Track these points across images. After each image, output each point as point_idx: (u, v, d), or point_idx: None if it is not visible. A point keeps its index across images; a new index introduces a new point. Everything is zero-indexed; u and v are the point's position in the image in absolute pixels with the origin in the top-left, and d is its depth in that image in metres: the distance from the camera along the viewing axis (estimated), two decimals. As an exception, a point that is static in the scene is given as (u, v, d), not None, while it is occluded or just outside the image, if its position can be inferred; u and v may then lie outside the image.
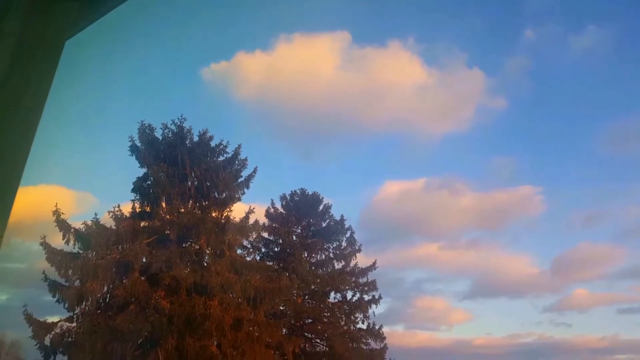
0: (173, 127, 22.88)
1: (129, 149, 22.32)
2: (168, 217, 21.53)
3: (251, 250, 30.93)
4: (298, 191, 34.44)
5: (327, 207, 33.93)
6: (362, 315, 31.46)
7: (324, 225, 33.68)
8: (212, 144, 23.19)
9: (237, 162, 23.18)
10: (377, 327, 31.21)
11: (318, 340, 31.42)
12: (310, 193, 34.39)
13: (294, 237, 33.20)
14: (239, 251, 25.19)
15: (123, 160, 22.22)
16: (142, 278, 20.02)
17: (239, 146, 23.49)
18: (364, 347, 31.01)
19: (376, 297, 31.63)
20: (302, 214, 33.72)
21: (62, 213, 20.05)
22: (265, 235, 32.31)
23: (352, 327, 31.46)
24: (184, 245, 21.40)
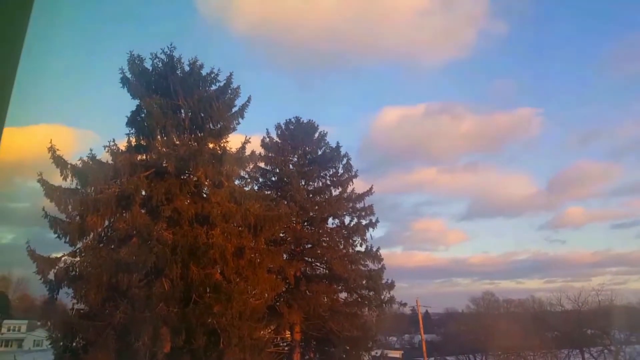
0: (163, 56, 22.17)
1: (120, 81, 21.76)
2: (164, 149, 21.32)
3: (249, 180, 31.16)
4: (293, 120, 34.21)
5: (323, 135, 33.83)
6: (360, 239, 32.26)
7: (320, 153, 33.71)
8: (203, 72, 22.58)
9: (230, 91, 22.68)
10: (374, 249, 32.07)
11: (318, 264, 32.38)
12: (305, 121, 34.13)
13: (291, 166, 33.33)
14: (236, 182, 25.33)
15: (121, 95, 21.73)
16: (143, 211, 20.12)
17: (231, 74, 22.88)
18: (363, 268, 32.00)
19: (373, 221, 32.29)
20: (297, 143, 33.65)
21: (58, 149, 19.81)
22: (262, 165, 32.40)
23: (350, 250, 32.33)
24: (182, 177, 21.36)
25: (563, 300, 63.54)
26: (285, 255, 28.91)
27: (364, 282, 31.75)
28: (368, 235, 32.00)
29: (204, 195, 21.48)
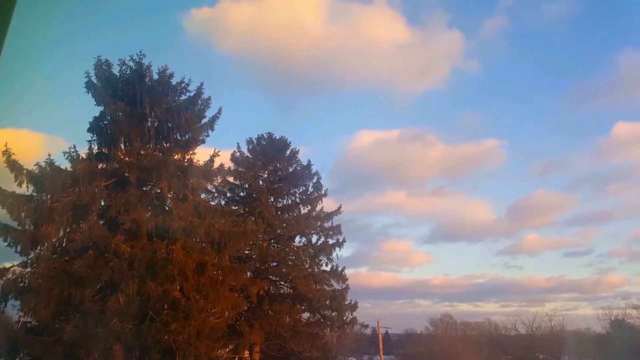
0: (131, 63, 21.56)
1: (84, 85, 20.97)
2: (127, 159, 20.60)
3: (216, 194, 30.55)
4: (265, 135, 33.75)
5: (295, 152, 33.48)
6: (326, 258, 31.91)
7: (290, 170, 33.33)
8: (173, 82, 22.01)
9: (200, 101, 22.11)
10: (340, 269, 31.72)
11: (282, 283, 31.80)
12: (277, 137, 33.74)
13: (260, 182, 32.83)
14: (203, 195, 24.65)
15: (90, 101, 20.95)
16: (101, 222, 19.31)
17: (202, 84, 22.31)
18: (327, 287, 31.58)
19: (340, 240, 31.96)
20: (268, 159, 33.21)
21: (14, 154, 18.90)
22: (231, 179, 31.79)
23: (316, 269, 31.89)
24: (144, 188, 20.63)
25: (518, 324, 64.96)
26: (249, 273, 28.25)
27: (327, 302, 31.27)
28: (334, 254, 31.71)
29: (166, 208, 20.76)
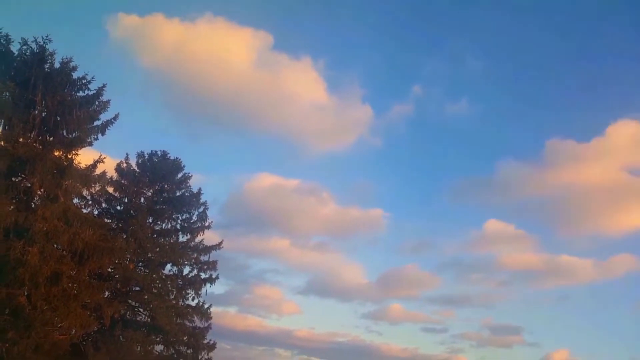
0: (34, 45, 20.05)
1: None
2: (1, 143, 18.77)
3: (90, 202, 28.50)
4: (159, 152, 32.38)
5: (186, 177, 32.36)
6: (194, 293, 30.67)
7: (178, 194, 32.04)
8: (74, 75, 20.71)
9: (97, 102, 20.94)
10: (205, 306, 30.65)
11: (141, 310, 29.98)
12: (171, 158, 32.53)
13: (142, 200, 31.22)
14: (75, 200, 22.96)
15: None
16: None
17: (104, 85, 21.22)
18: (188, 323, 30.29)
19: (213, 276, 31.02)
20: (157, 177, 31.76)
21: None
22: (111, 190, 29.94)
23: (181, 302, 30.50)
24: (12, 179, 18.80)
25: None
26: (107, 293, 26.34)
27: (185, 338, 29.87)
28: (204, 290, 30.59)
29: (32, 206, 18.99)
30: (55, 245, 19.14)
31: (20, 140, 19.19)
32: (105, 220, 28.63)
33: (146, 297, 29.03)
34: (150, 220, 30.76)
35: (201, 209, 31.97)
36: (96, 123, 21.24)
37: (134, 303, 29.55)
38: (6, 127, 18.87)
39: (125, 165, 31.23)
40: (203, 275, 30.82)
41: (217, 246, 31.72)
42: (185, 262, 31.00)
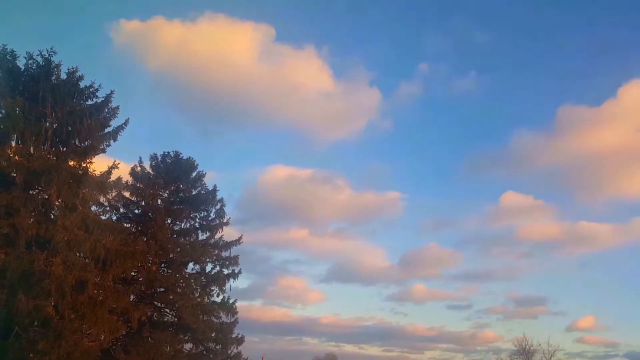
0: (39, 58, 20.17)
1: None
2: (17, 158, 18.97)
3: (108, 209, 28.68)
4: (171, 153, 32.49)
5: (201, 175, 32.46)
6: (218, 289, 30.85)
7: (194, 193, 32.19)
8: (82, 85, 20.82)
9: (107, 109, 21.07)
10: (231, 302, 30.85)
11: (167, 310, 30.29)
12: (184, 157, 32.62)
13: (159, 201, 31.39)
14: (94, 208, 23.16)
15: None
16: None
17: (112, 92, 21.34)
18: (215, 319, 30.53)
19: (236, 271, 31.12)
20: (171, 178, 31.90)
21: None
22: (127, 195, 30.16)
23: (206, 300, 30.73)
24: (30, 192, 19.03)
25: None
26: (132, 297, 26.65)
27: (213, 334, 30.14)
28: (228, 285, 30.75)
29: (52, 217, 19.22)
30: (77, 254, 19.34)
31: (34, 153, 19.37)
32: (125, 224, 28.87)
33: (171, 297, 29.30)
34: (169, 221, 30.96)
35: (218, 206, 32.08)
36: (107, 130, 21.37)
37: (159, 304, 29.86)
38: (19, 142, 19.04)
39: (139, 168, 31.40)
40: (225, 271, 30.97)
41: (237, 241, 31.84)
42: (207, 260, 31.17)
